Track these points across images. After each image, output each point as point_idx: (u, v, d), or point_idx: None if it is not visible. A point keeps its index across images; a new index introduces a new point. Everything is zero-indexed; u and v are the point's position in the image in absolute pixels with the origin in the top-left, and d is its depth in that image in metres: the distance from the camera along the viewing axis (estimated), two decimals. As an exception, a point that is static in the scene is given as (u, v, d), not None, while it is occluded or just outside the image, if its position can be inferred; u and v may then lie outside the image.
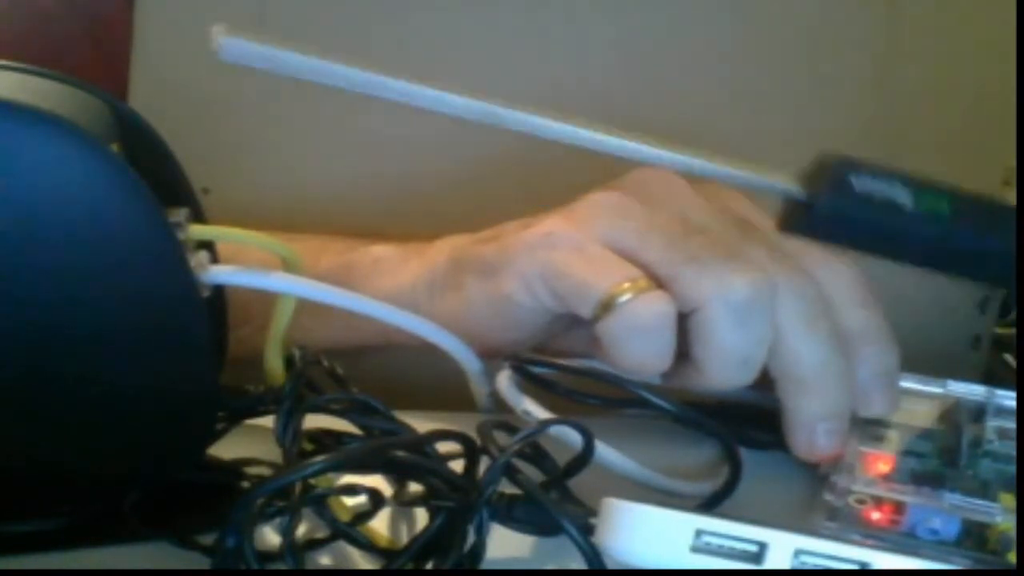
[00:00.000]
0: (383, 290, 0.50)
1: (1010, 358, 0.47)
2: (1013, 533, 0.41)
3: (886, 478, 0.44)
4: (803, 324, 0.45)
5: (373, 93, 0.34)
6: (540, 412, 0.45)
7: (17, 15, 0.62)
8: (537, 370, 0.48)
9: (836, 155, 0.35)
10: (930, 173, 0.44)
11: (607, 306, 0.44)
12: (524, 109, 0.36)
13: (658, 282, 0.45)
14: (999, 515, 0.42)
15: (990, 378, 0.50)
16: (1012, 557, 0.41)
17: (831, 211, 0.35)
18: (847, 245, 0.37)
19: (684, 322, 0.45)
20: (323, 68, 0.33)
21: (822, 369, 0.45)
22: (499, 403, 0.47)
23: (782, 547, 0.34)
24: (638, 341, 0.44)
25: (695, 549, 0.35)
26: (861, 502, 0.43)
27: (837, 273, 0.46)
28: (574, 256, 0.46)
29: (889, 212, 0.35)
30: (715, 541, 0.35)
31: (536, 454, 0.42)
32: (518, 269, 0.47)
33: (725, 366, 0.45)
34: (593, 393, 0.48)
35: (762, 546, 0.34)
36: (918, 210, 0.35)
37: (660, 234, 0.46)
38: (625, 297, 0.44)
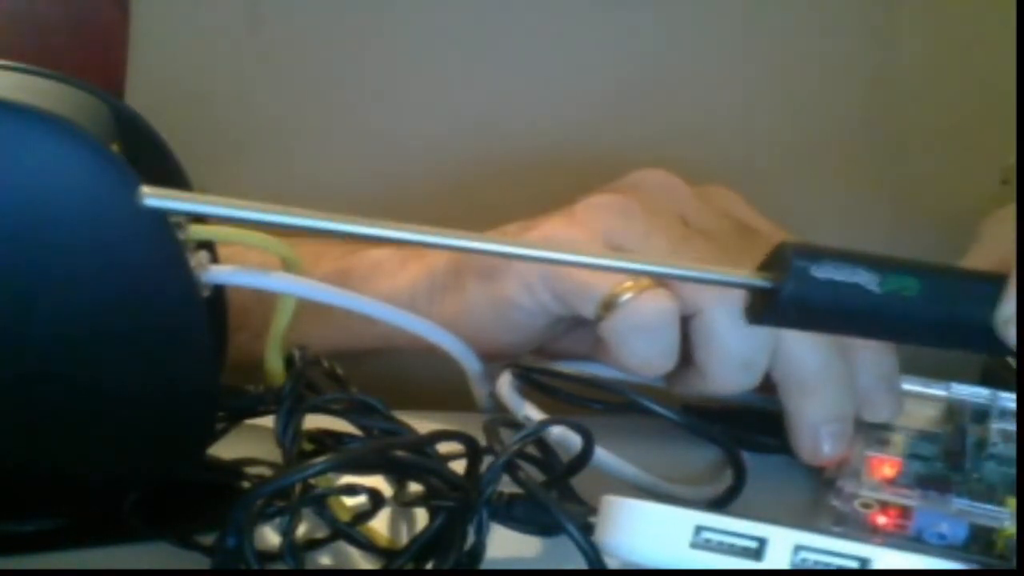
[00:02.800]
0: (382, 293, 0.50)
1: (1010, 358, 0.46)
2: (1020, 536, 0.41)
3: (892, 482, 0.44)
4: None
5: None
6: (541, 417, 0.45)
7: (12, 19, 0.62)
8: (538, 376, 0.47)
9: (796, 243, 0.36)
10: (929, 171, 0.44)
11: (609, 305, 0.44)
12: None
13: (659, 285, 0.45)
14: (1007, 519, 0.42)
15: (991, 378, 0.50)
16: (1019, 561, 0.40)
17: (795, 300, 0.35)
18: (817, 329, 0.38)
19: (686, 327, 0.45)
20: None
21: (822, 370, 0.45)
22: (499, 403, 0.47)
23: (782, 543, 0.34)
24: (642, 339, 0.44)
25: (695, 545, 0.35)
26: (867, 507, 0.42)
27: None
28: None
29: (854, 296, 0.35)
30: (715, 537, 0.35)
31: (541, 454, 0.42)
32: (519, 271, 0.47)
33: (727, 370, 0.45)
34: (594, 398, 0.48)
35: (762, 542, 0.34)
36: (884, 292, 0.35)
37: (661, 236, 0.46)
38: (627, 296, 0.44)
